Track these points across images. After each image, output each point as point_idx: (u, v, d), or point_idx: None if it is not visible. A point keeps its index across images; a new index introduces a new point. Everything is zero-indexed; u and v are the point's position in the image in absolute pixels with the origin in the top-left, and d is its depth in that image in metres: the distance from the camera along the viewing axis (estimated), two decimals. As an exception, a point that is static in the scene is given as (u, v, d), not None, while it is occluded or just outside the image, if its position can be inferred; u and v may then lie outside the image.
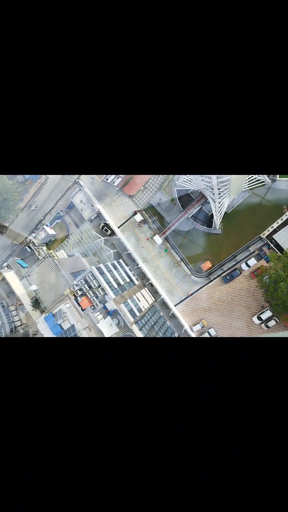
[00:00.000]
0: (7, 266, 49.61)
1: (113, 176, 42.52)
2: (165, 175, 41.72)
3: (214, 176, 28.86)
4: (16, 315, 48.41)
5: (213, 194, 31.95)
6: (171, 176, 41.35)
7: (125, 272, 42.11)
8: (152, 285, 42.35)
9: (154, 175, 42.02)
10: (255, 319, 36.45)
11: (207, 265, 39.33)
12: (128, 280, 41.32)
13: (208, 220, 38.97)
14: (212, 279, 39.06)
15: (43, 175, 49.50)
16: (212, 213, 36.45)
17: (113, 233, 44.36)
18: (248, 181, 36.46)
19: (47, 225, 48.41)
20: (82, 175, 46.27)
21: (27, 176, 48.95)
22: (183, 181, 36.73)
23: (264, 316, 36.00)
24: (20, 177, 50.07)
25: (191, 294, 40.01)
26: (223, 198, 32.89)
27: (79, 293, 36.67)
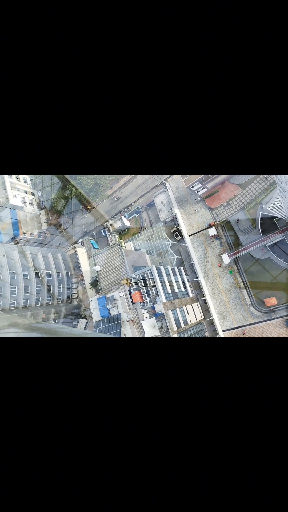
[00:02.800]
0: (81, 243, 54.94)
1: (200, 185, 42.43)
2: (253, 196, 39.55)
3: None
4: (75, 288, 53.28)
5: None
6: (259, 198, 38.97)
7: (183, 281, 41.70)
8: (205, 302, 40.84)
9: (241, 193, 40.29)
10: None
11: (271, 301, 35.77)
12: (183, 289, 40.84)
13: (288, 254, 35.31)
14: (273, 317, 35.36)
15: (135, 171, 52.78)
16: (295, 248, 32.87)
17: (182, 239, 44.41)
18: None
19: (125, 216, 51.60)
20: (170, 178, 47.59)
21: (121, 168, 52.94)
22: (272, 206, 34.16)
23: None
24: (115, 168, 54.54)
25: (244, 326, 37.03)
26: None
27: (134, 286, 38.05)
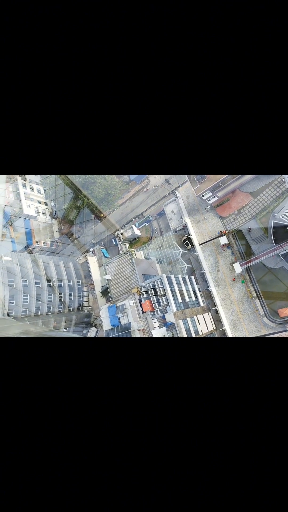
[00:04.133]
0: (92, 252, 55.53)
1: (210, 194, 42.38)
2: (265, 205, 39.09)
3: None
4: (86, 296, 53.57)
5: None
6: (271, 206, 38.46)
7: (193, 290, 41.24)
8: (217, 312, 40.12)
9: (253, 202, 39.91)
10: None
11: (286, 311, 34.77)
12: (194, 299, 40.35)
13: (302, 264, 34.44)
14: (287, 328, 34.28)
15: (147, 179, 53.38)
16: (309, 257, 32.06)
17: (193, 248, 44.16)
18: None
19: (135, 225, 51.96)
20: (180, 187, 47.80)
21: (132, 177, 53.72)
22: (284, 215, 33.62)
23: None
24: (125, 177, 55.36)
25: (257, 337, 36.01)
26: None
27: (145, 295, 37.91)
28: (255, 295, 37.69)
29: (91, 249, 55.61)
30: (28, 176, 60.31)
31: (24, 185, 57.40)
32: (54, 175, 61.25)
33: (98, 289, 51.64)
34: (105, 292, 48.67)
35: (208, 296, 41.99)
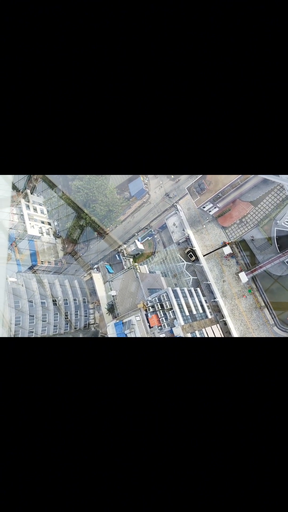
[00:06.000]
0: (96, 268, 55.66)
1: (211, 205, 42.65)
2: (266, 213, 39.10)
3: None
4: (92, 314, 53.20)
5: None
6: (273, 214, 38.43)
7: (200, 302, 40.71)
8: (225, 324, 39.35)
9: (254, 211, 39.98)
10: None
11: (296, 319, 33.94)
12: (201, 311, 39.76)
13: (309, 270, 33.91)
14: (299, 337, 33.31)
15: (147, 194, 54.11)
16: (315, 263, 31.60)
17: (197, 260, 43.99)
18: None
19: (138, 240, 52.21)
20: (181, 200, 48.27)
21: (133, 193, 54.55)
22: (286, 221, 33.50)
23: None
24: (126, 194, 56.23)
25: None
26: None
27: (151, 309, 37.49)
28: (263, 304, 36.99)
29: (96, 266, 55.77)
30: (31, 198, 61.72)
31: (27, 207, 58.63)
32: (56, 196, 62.61)
33: (104, 305, 51.31)
34: (111, 308, 48.33)
35: (216, 307, 41.35)
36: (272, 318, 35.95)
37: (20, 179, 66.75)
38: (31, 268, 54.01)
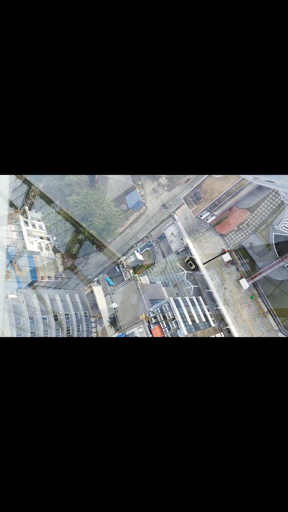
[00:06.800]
0: (97, 281, 55.45)
1: (208, 213, 43.01)
2: (263, 219, 39.42)
3: None
4: (94, 327, 52.60)
5: None
6: (270, 219, 38.73)
7: (203, 311, 40.40)
8: (229, 332, 38.90)
9: (251, 217, 40.30)
10: None
11: (300, 324, 33.63)
12: (204, 319, 39.39)
13: (309, 273, 33.87)
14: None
15: (144, 206, 54.61)
16: (315, 266, 31.61)
17: (197, 268, 43.95)
18: None
19: (137, 251, 52.30)
20: (178, 209, 48.69)
21: (130, 205, 55.06)
22: (284, 226, 33.73)
23: None
24: (124, 206, 56.75)
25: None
26: None
27: (153, 320, 37.13)
28: (266, 309, 36.73)
29: (96, 279, 55.58)
30: (29, 214, 62.19)
31: (26, 223, 58.98)
32: (54, 211, 63.11)
33: (106, 318, 50.81)
34: (113, 321, 47.84)
35: (219, 316, 41.01)
36: (277, 324, 35.62)
37: (18, 196, 67.48)
38: (31, 284, 53.79)
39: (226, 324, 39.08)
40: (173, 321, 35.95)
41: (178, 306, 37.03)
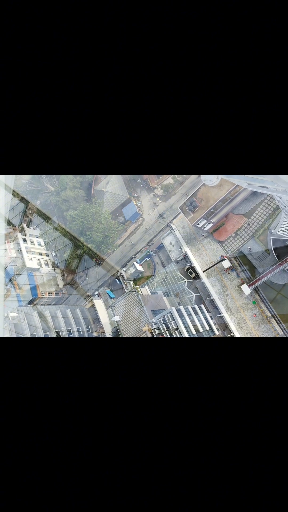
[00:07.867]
0: (97, 295, 55.10)
1: (204, 221, 43.28)
2: (260, 223, 39.64)
3: None
4: (97, 342, 51.80)
5: None
6: (267, 224, 38.94)
7: (206, 319, 39.98)
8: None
9: (247, 223, 40.54)
10: None
11: (305, 327, 33.24)
12: (207, 328, 38.92)
13: (310, 275, 33.78)
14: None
15: (141, 217, 55.00)
16: (316, 268, 31.56)
17: (197, 276, 43.80)
18: None
19: (137, 262, 52.26)
20: (175, 219, 49.01)
21: (127, 217, 55.43)
22: (281, 230, 33.87)
23: None
24: (121, 218, 57.13)
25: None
26: None
27: (156, 331, 36.65)
28: (269, 314, 36.38)
29: (96, 292, 55.25)
30: (28, 231, 62.46)
31: (24, 240, 59.14)
32: (52, 227, 63.44)
33: (108, 332, 50.16)
34: (116, 334, 47.22)
35: (222, 324, 40.55)
36: (282, 329, 35.20)
37: (16, 215, 67.97)
38: (31, 302, 53.39)
39: (231, 331, 38.59)
40: (176, 331, 35.49)
41: (181, 315, 36.66)
